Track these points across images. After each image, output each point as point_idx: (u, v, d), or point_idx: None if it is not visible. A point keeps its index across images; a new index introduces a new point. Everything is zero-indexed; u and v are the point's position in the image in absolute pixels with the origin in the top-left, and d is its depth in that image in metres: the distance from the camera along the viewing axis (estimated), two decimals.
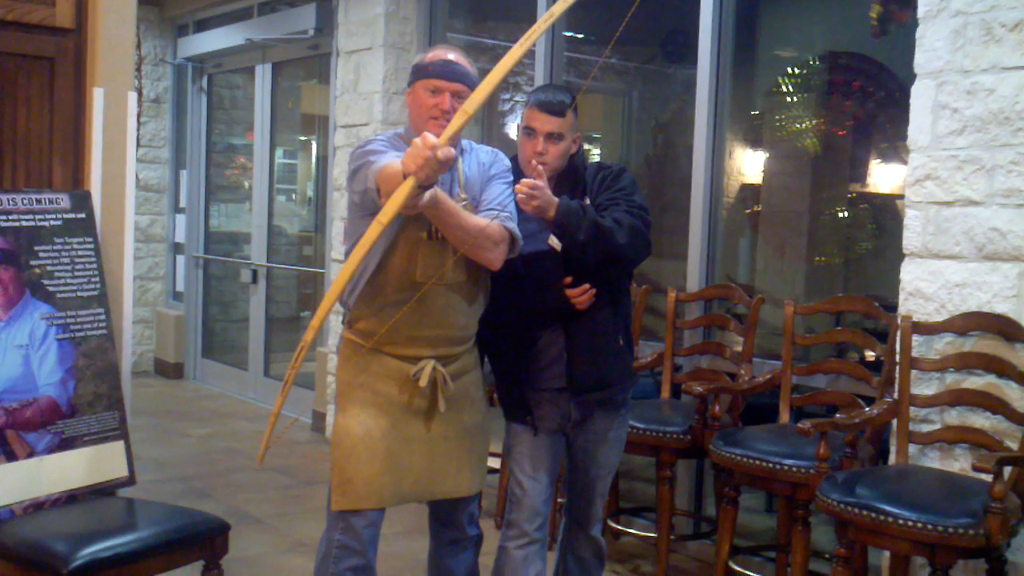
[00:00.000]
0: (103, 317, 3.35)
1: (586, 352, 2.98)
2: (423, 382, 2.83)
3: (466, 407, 2.98)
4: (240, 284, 8.11)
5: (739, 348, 4.20)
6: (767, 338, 4.67)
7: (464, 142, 2.99)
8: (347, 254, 2.67)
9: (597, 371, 3.00)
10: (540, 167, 2.84)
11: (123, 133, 3.61)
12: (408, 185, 2.44)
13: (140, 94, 8.28)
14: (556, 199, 2.78)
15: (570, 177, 3.03)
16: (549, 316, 2.98)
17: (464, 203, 2.82)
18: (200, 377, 8.54)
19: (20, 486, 3.03)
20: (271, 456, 5.85)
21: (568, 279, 2.93)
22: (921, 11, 3.52)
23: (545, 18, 2.50)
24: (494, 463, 4.12)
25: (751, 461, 3.52)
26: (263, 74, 7.76)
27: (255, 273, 7.80)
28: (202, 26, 8.39)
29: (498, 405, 3.19)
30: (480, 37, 6.87)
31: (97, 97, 3.52)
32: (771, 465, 3.47)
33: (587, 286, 2.93)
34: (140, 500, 3.25)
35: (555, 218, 2.77)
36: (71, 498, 3.14)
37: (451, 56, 2.86)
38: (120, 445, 3.32)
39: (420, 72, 2.86)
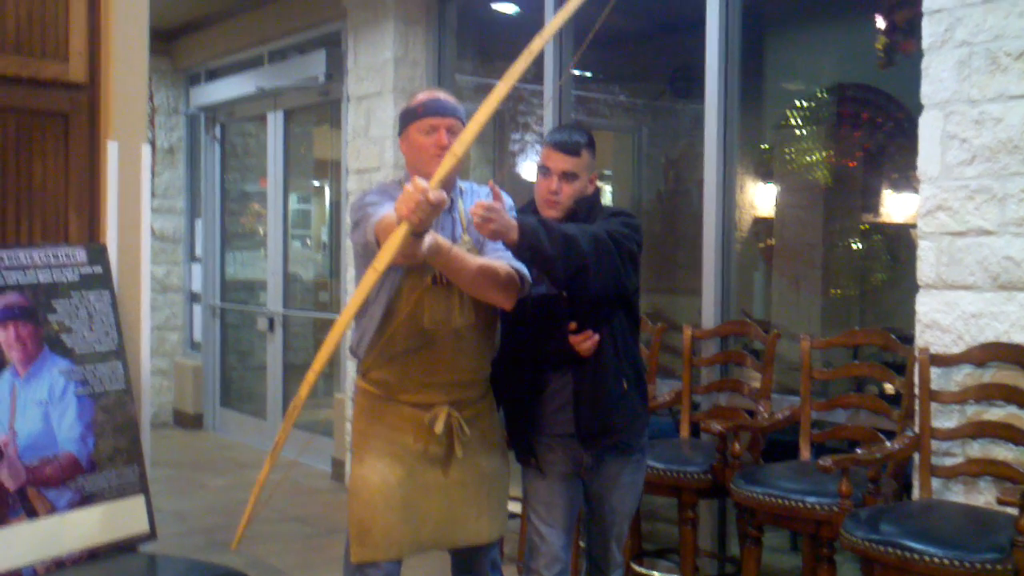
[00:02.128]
0: (121, 371, 3.36)
1: (590, 398, 2.96)
2: (438, 429, 2.82)
3: (483, 452, 2.97)
4: (257, 332, 8.13)
5: (757, 384, 4.18)
6: (785, 373, 4.64)
7: (463, 184, 2.99)
8: None
9: (601, 417, 2.97)
10: (497, 187, 2.69)
11: (137, 185, 3.64)
12: (402, 230, 2.41)
13: (153, 146, 8.36)
14: (515, 221, 2.61)
15: (574, 219, 2.99)
16: (557, 361, 2.97)
17: (467, 246, 2.82)
18: (219, 427, 8.54)
19: (41, 544, 3.03)
20: (292, 506, 5.90)
21: (573, 325, 2.91)
22: (926, 42, 3.53)
23: (524, 56, 2.46)
24: (515, 507, 4.10)
25: (773, 499, 3.48)
26: (275, 121, 7.83)
27: (271, 321, 7.81)
28: (213, 75, 8.49)
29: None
30: (489, 78, 6.92)
31: (111, 150, 3.56)
32: (793, 503, 3.44)
33: (590, 332, 2.91)
34: (161, 556, 3.24)
35: (520, 239, 2.61)
36: (92, 555, 3.14)
37: (439, 95, 2.89)
38: (140, 500, 3.31)
39: (411, 116, 2.88)
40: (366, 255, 2.74)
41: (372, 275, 2.46)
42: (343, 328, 2.53)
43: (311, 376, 2.55)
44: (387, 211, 2.64)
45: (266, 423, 7.90)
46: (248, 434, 8.11)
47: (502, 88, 2.45)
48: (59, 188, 3.49)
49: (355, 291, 2.54)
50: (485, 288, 2.76)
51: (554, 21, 2.54)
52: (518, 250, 2.66)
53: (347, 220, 6.46)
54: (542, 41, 2.48)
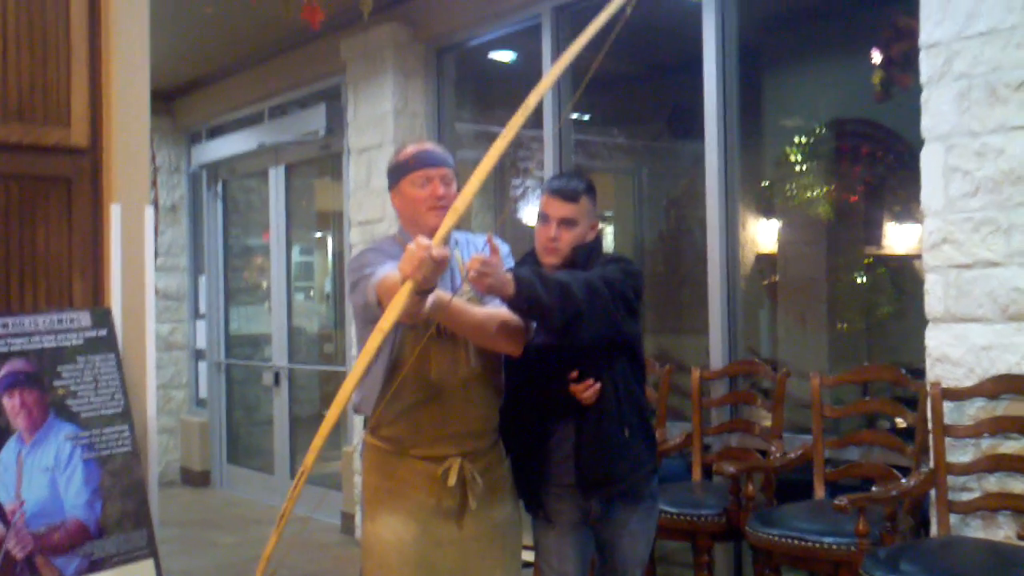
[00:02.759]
0: (127, 433, 3.33)
1: (591, 447, 2.93)
2: (451, 481, 2.79)
3: (495, 504, 2.93)
4: (263, 387, 8.10)
5: (768, 424, 4.15)
6: (795, 411, 4.61)
7: (457, 234, 2.96)
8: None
9: (602, 466, 2.93)
10: (496, 241, 2.64)
11: (141, 247, 3.62)
12: (406, 289, 2.37)
13: (156, 205, 8.39)
14: (510, 275, 2.59)
15: (572, 266, 2.97)
16: (560, 410, 2.94)
17: (467, 296, 2.81)
18: (227, 483, 8.48)
19: None
20: (302, 561, 5.84)
21: (574, 373, 2.89)
22: (925, 76, 3.54)
23: (521, 111, 2.45)
24: (527, 556, 4.05)
25: (790, 541, 3.45)
26: (276, 176, 7.86)
27: (277, 375, 7.79)
28: (215, 133, 8.54)
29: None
30: (489, 125, 6.96)
31: (114, 213, 3.55)
32: (811, 544, 3.40)
33: (591, 381, 2.88)
34: None
35: (517, 292, 2.58)
36: None
37: (428, 146, 2.90)
38: (149, 564, 3.27)
39: (401, 170, 2.88)
40: (366, 315, 2.71)
41: (378, 335, 2.39)
42: (350, 392, 2.46)
43: (318, 441, 2.46)
44: (387, 270, 2.62)
45: (274, 478, 7.85)
46: (256, 490, 8.05)
47: (500, 144, 2.43)
48: (63, 253, 3.48)
49: (360, 353, 2.48)
50: (491, 337, 2.74)
51: (549, 75, 2.53)
52: (515, 302, 2.63)
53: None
54: (538, 96, 2.47)
